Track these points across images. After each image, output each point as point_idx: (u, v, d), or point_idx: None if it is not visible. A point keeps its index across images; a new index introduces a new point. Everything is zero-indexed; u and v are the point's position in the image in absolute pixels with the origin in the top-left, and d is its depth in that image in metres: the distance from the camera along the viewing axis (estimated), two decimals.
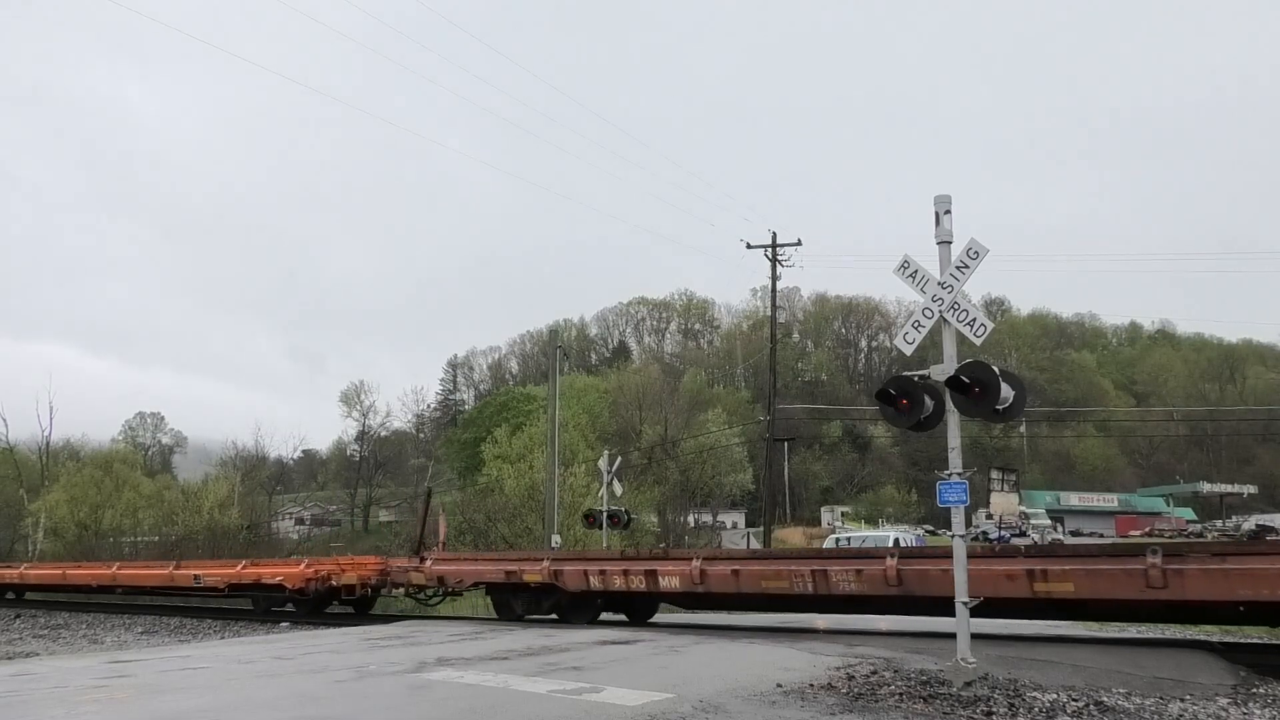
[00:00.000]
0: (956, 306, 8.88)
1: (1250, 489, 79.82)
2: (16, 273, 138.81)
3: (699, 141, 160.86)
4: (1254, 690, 8.62)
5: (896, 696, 7.55)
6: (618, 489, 26.26)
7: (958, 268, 8.88)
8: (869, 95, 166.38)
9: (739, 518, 75.32)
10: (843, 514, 75.65)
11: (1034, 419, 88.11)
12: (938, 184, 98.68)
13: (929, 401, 9.13)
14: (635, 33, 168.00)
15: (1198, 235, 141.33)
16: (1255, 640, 13.54)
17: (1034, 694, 7.74)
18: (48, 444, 62.77)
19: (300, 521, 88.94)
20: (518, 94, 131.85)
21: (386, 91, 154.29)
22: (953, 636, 8.67)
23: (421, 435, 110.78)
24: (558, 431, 29.09)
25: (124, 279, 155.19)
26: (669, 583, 13.83)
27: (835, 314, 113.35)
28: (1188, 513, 77.34)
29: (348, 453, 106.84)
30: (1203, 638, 13.65)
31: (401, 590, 18.17)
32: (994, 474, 64.02)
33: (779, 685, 7.82)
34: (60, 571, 27.46)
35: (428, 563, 17.26)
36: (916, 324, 9.21)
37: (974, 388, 8.66)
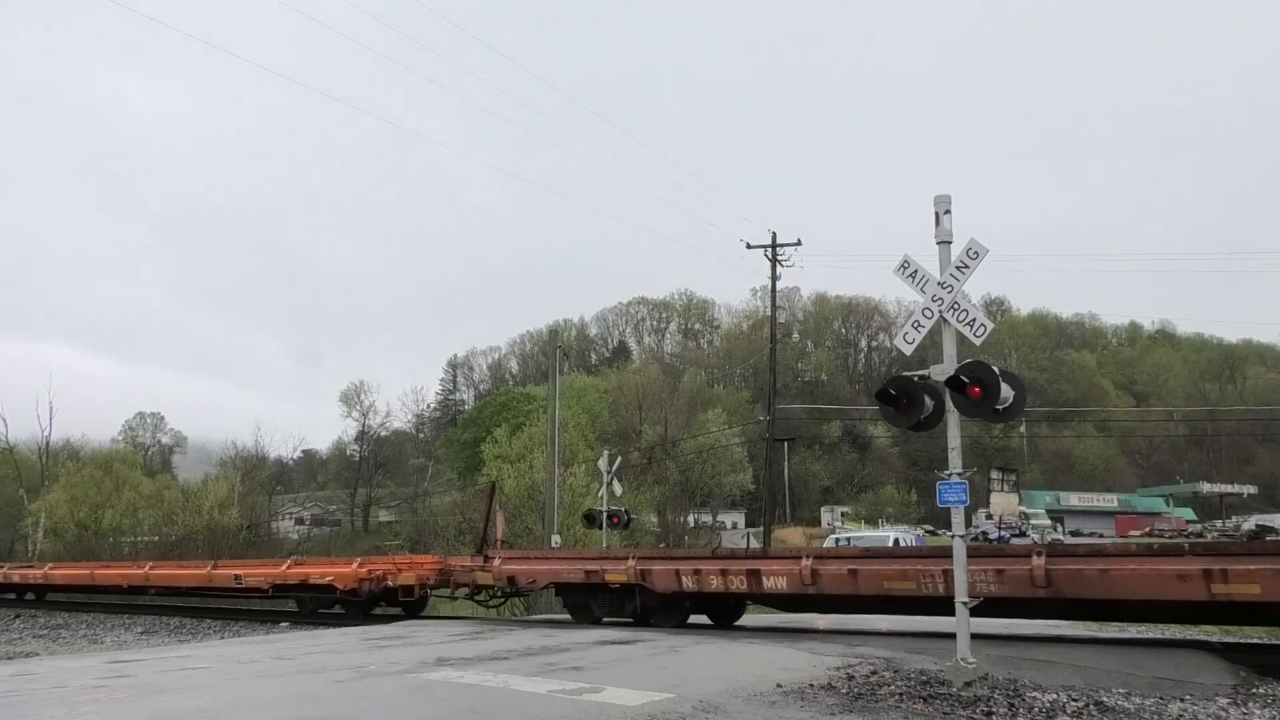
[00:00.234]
0: (956, 306, 8.89)
1: (1250, 489, 79.83)
2: (16, 273, 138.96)
3: (699, 142, 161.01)
4: (1254, 690, 8.62)
5: (896, 696, 7.55)
6: (618, 489, 26.26)
7: (958, 268, 8.88)
8: (869, 95, 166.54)
9: (739, 518, 75.34)
10: (842, 514, 75.66)
11: (1034, 419, 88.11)
12: (938, 184, 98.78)
13: (929, 401, 9.14)
14: (636, 33, 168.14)
15: (1198, 235, 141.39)
16: (1255, 640, 13.54)
17: (1034, 694, 7.75)
18: (48, 444, 62.93)
19: (300, 521, 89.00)
20: (518, 94, 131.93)
21: (387, 91, 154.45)
22: (953, 636, 8.67)
23: (421, 435, 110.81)
24: (558, 431, 29.08)
25: (124, 279, 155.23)
26: (774, 583, 12.89)
27: (835, 314, 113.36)
28: (1187, 513, 77.35)
29: (348, 453, 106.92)
30: (1203, 638, 13.65)
31: (465, 591, 17.12)
32: (994, 474, 64.01)
33: (779, 685, 7.82)
34: (88, 571, 26.42)
35: (495, 562, 16.29)
36: (916, 324, 9.22)
37: (974, 388, 8.67)
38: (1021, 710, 7.20)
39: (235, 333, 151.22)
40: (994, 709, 7.19)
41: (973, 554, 12.42)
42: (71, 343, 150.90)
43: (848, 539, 33.06)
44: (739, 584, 13.25)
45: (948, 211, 9.08)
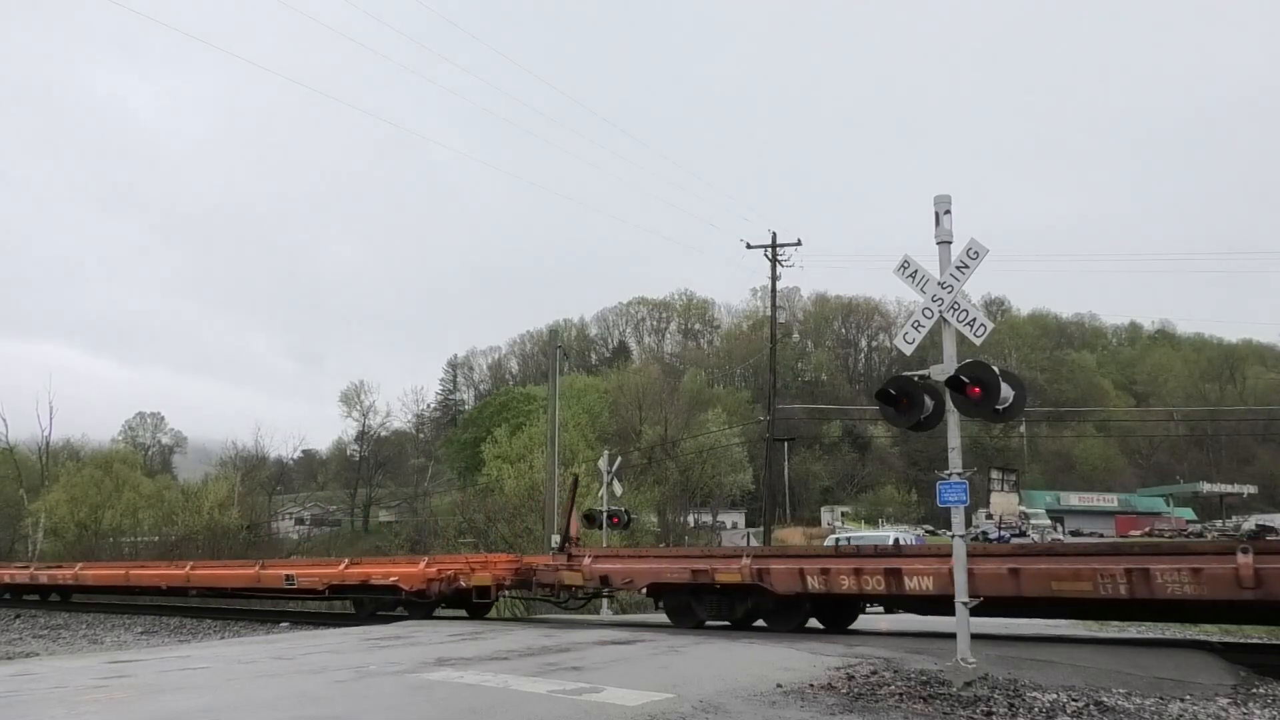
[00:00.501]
0: (956, 306, 8.89)
1: (1250, 489, 79.84)
2: (16, 273, 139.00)
3: (699, 142, 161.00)
4: (1254, 690, 8.63)
5: (896, 697, 7.55)
6: (618, 489, 26.24)
7: (958, 268, 8.89)
8: (870, 95, 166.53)
9: (739, 518, 75.35)
10: (842, 514, 75.67)
11: (1034, 419, 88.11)
12: (938, 184, 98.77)
13: (929, 401, 9.14)
14: (636, 33, 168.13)
15: (1198, 235, 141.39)
16: (1255, 640, 13.55)
17: (1034, 694, 7.75)
18: (48, 444, 62.95)
19: (300, 521, 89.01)
20: (518, 94, 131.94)
21: (387, 91, 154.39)
22: (953, 636, 8.67)
23: (421, 435, 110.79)
24: (558, 431, 29.09)
25: (124, 279, 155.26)
26: (918, 584, 11.72)
27: (835, 314, 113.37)
28: (1188, 513, 77.38)
29: (348, 453, 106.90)
30: (1203, 638, 13.65)
31: (549, 591, 16.19)
32: (994, 474, 64.01)
33: (779, 685, 7.82)
34: (123, 572, 25.12)
35: (586, 560, 15.31)
36: (916, 324, 9.22)
37: (974, 388, 8.67)
38: (1021, 710, 7.20)
39: (235, 333, 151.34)
40: (994, 709, 7.19)
41: (1159, 551, 11.35)
42: (71, 343, 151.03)
43: (848, 539, 33.05)
44: (875, 585, 12.19)
45: (948, 212, 9.09)
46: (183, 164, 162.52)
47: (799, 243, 40.13)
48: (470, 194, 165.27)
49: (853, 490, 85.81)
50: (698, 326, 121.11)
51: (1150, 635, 14.37)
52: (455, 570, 16.98)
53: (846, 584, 12.38)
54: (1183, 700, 7.84)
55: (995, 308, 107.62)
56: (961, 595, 8.66)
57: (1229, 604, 10.16)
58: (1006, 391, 8.76)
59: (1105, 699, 7.70)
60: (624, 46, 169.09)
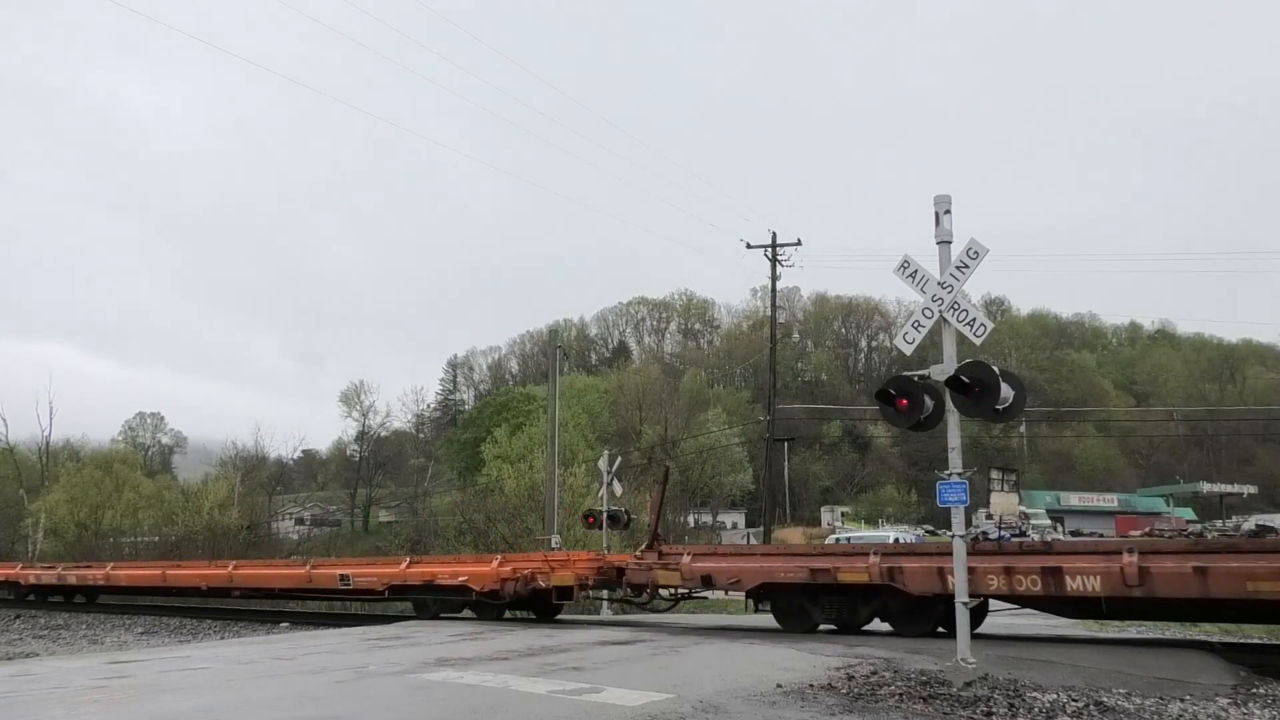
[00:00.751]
0: (956, 306, 8.89)
1: (1250, 489, 79.82)
2: (16, 272, 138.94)
3: (699, 142, 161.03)
4: (1254, 690, 8.63)
5: (896, 697, 7.55)
6: (618, 489, 26.23)
7: (958, 268, 8.89)
8: (869, 95, 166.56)
9: (739, 518, 75.35)
10: (842, 514, 75.65)
11: (1034, 419, 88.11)
12: (938, 184, 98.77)
13: (929, 401, 9.15)
14: (636, 33, 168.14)
15: (1197, 235, 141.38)
16: (1255, 640, 13.55)
17: (1034, 694, 7.75)
18: (47, 444, 63.05)
19: (300, 521, 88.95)
20: (518, 94, 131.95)
21: (387, 91, 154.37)
22: (952, 637, 8.67)
23: (421, 435, 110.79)
24: (558, 431, 29.08)
25: (123, 279, 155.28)
26: (1082, 584, 10.70)
27: (835, 314, 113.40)
28: (1188, 513, 77.36)
29: (348, 453, 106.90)
30: (1203, 638, 13.66)
31: (637, 592, 15.15)
32: (994, 474, 63.96)
33: (779, 685, 7.82)
34: (160, 572, 23.64)
35: (685, 558, 14.36)
36: (916, 324, 9.22)
37: (974, 388, 8.67)
38: (1021, 710, 7.20)
39: (235, 333, 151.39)
40: (994, 709, 7.19)
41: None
42: (71, 343, 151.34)
43: (848, 538, 33.07)
44: (1030, 585, 11.11)
45: (948, 211, 9.09)
46: (183, 164, 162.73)
47: (799, 243, 40.18)
48: (470, 194, 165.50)
49: (853, 490, 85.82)
50: (698, 326, 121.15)
51: (1150, 635, 14.38)
52: (532, 569, 15.92)
53: (995, 584, 11.34)
54: (1183, 700, 7.85)
55: (995, 308, 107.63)
56: (962, 595, 8.67)
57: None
58: (1006, 391, 8.76)
59: (1105, 699, 7.70)
60: (624, 46, 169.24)
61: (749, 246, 40.32)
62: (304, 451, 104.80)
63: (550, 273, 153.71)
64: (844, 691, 7.71)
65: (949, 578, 11.14)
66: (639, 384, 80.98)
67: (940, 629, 12.17)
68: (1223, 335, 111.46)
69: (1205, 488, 79.79)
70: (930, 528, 62.68)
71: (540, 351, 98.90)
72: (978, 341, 8.87)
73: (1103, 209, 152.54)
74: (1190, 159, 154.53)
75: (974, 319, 8.87)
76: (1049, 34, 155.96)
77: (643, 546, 15.54)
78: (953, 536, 9.01)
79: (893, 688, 7.90)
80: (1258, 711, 7.63)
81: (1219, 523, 67.67)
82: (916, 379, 9.22)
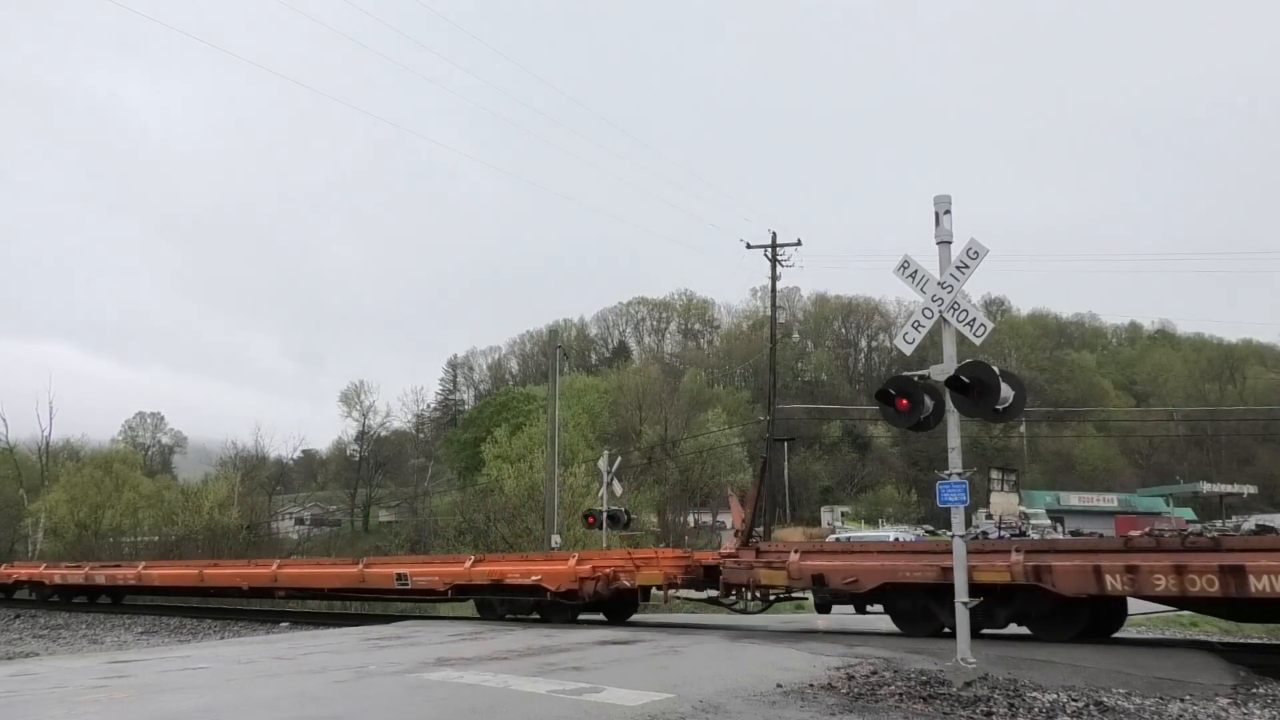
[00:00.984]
0: (956, 306, 8.90)
1: (1250, 489, 79.83)
2: (16, 272, 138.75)
3: (699, 142, 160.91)
4: (1254, 690, 8.63)
5: (896, 697, 7.55)
6: (618, 489, 26.28)
7: (957, 268, 8.89)
8: (870, 95, 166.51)
9: None
10: (842, 514, 75.66)
11: (1034, 419, 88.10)
12: (938, 184, 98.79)
13: (929, 401, 9.15)
14: (636, 33, 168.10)
15: (1197, 235, 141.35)
16: (1255, 640, 13.56)
17: (1034, 694, 7.75)
18: (47, 444, 63.06)
19: (300, 521, 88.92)
20: (518, 94, 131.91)
21: (387, 91, 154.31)
22: (952, 637, 8.67)
23: (421, 435, 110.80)
24: (558, 431, 29.10)
25: (123, 279, 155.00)
26: (1268, 584, 9.70)
27: (835, 314, 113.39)
28: (1187, 513, 77.35)
29: (347, 453, 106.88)
30: (1202, 638, 13.66)
31: (735, 591, 14.18)
32: (994, 474, 63.95)
33: (779, 685, 7.82)
34: (197, 571, 22.76)
35: (793, 556, 13.29)
36: (916, 324, 9.23)
37: (974, 388, 8.68)
38: (1021, 710, 7.20)
39: (235, 333, 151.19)
40: (994, 709, 7.20)
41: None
42: (71, 343, 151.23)
43: (848, 538, 33.08)
44: (1206, 586, 10.11)
45: (948, 212, 9.10)
46: (183, 164, 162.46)
47: (799, 243, 40.17)
48: (470, 194, 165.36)
49: (853, 490, 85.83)
50: (698, 326, 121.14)
51: (1150, 635, 14.37)
52: (614, 568, 15.04)
53: (1162, 585, 10.39)
54: (1183, 700, 7.85)
55: (995, 308, 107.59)
56: (961, 595, 8.67)
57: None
58: (1006, 391, 8.76)
59: (1105, 699, 7.70)
60: (624, 47, 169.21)
61: (749, 246, 40.34)
62: (304, 451, 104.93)
63: (550, 273, 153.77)
64: (844, 691, 7.71)
65: (1109, 578, 10.66)
66: (639, 384, 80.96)
67: (1086, 634, 11.55)
68: (1223, 335, 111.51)
69: (1205, 488, 79.81)
70: (930, 527, 62.72)
71: (540, 351, 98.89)
72: (978, 341, 8.87)
73: (1103, 209, 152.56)
74: (1190, 159, 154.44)
75: (974, 319, 8.88)
76: (1049, 34, 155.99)
77: (729, 544, 14.90)
78: (952, 537, 9.02)
79: (893, 688, 7.90)
80: (1258, 711, 7.63)
81: (1219, 523, 67.69)
82: (916, 379, 9.22)
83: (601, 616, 16.25)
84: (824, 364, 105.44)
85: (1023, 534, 54.81)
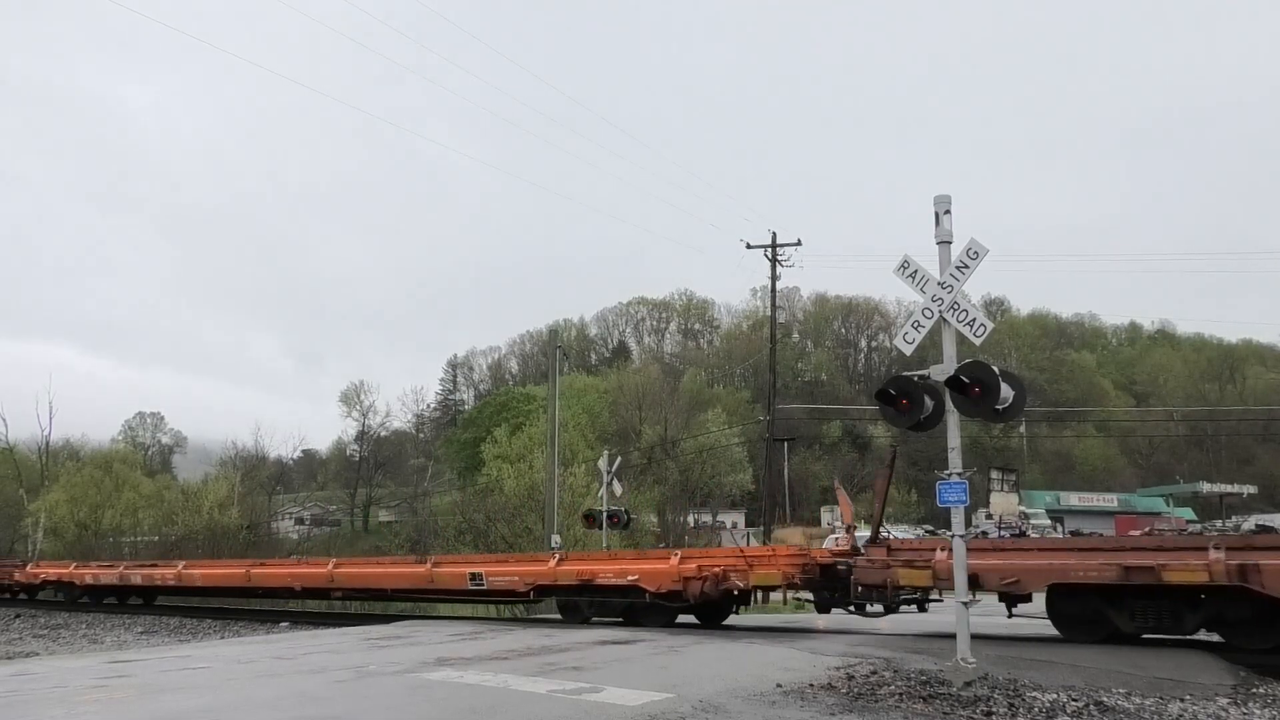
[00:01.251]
0: (956, 306, 8.90)
1: (1250, 489, 79.84)
2: (16, 272, 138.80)
3: (700, 142, 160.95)
4: (1254, 690, 8.63)
5: (896, 696, 7.55)
6: (618, 489, 26.28)
7: (957, 268, 8.89)
8: (870, 95, 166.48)
9: (739, 518, 75.30)
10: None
11: (1034, 419, 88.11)
12: (938, 184, 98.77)
13: (929, 401, 9.15)
14: (636, 33, 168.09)
15: (1198, 235, 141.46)
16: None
17: (1034, 694, 7.75)
18: (47, 444, 63.01)
19: (300, 521, 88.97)
20: (518, 94, 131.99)
21: (387, 91, 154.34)
22: (952, 636, 8.67)
23: (421, 435, 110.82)
24: (558, 431, 29.10)
25: (123, 278, 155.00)
26: None
27: (835, 314, 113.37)
28: (1187, 513, 77.38)
29: (347, 453, 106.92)
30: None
31: (868, 593, 12.92)
32: (994, 474, 64.01)
33: (779, 685, 7.82)
34: (244, 571, 21.26)
35: (939, 554, 11.96)
36: (916, 324, 9.23)
37: (974, 388, 8.67)
38: (1021, 710, 7.20)
39: (235, 333, 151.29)
40: (994, 709, 7.20)
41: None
42: (71, 343, 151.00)
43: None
44: None
45: (948, 212, 9.10)
46: (182, 163, 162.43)
47: (799, 243, 40.28)
48: (470, 194, 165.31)
49: (853, 490, 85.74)
50: (698, 326, 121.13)
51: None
52: (723, 567, 13.90)
53: None
54: (1183, 700, 7.85)
55: (995, 308, 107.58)
56: (962, 595, 8.67)
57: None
58: (1006, 391, 8.77)
59: (1105, 699, 7.70)
60: (623, 46, 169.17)
61: (749, 246, 40.41)
62: (304, 451, 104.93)
63: (550, 273, 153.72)
64: (844, 691, 7.71)
65: None
66: (639, 384, 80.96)
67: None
68: (1223, 335, 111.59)
69: (1205, 488, 79.81)
70: (930, 527, 62.63)
71: (540, 351, 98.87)
72: (978, 342, 8.87)
73: (1103, 209, 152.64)
74: (1190, 159, 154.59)
75: (974, 319, 8.88)
76: (1049, 34, 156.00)
77: (843, 540, 14.24)
78: (953, 537, 9.02)
79: (893, 687, 7.90)
80: (1258, 711, 7.63)
81: (1219, 523, 67.70)
82: (916, 379, 9.22)
83: (694, 620, 15.38)
84: (824, 364, 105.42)
85: (1023, 534, 54.83)
